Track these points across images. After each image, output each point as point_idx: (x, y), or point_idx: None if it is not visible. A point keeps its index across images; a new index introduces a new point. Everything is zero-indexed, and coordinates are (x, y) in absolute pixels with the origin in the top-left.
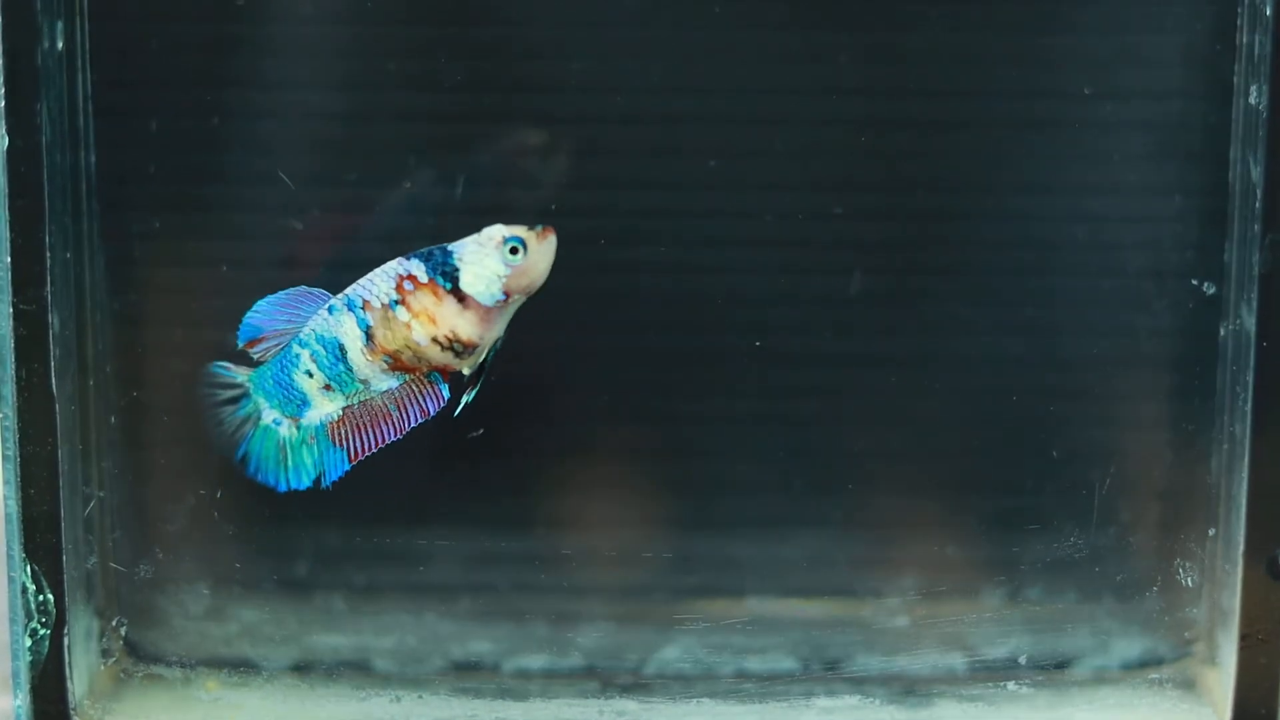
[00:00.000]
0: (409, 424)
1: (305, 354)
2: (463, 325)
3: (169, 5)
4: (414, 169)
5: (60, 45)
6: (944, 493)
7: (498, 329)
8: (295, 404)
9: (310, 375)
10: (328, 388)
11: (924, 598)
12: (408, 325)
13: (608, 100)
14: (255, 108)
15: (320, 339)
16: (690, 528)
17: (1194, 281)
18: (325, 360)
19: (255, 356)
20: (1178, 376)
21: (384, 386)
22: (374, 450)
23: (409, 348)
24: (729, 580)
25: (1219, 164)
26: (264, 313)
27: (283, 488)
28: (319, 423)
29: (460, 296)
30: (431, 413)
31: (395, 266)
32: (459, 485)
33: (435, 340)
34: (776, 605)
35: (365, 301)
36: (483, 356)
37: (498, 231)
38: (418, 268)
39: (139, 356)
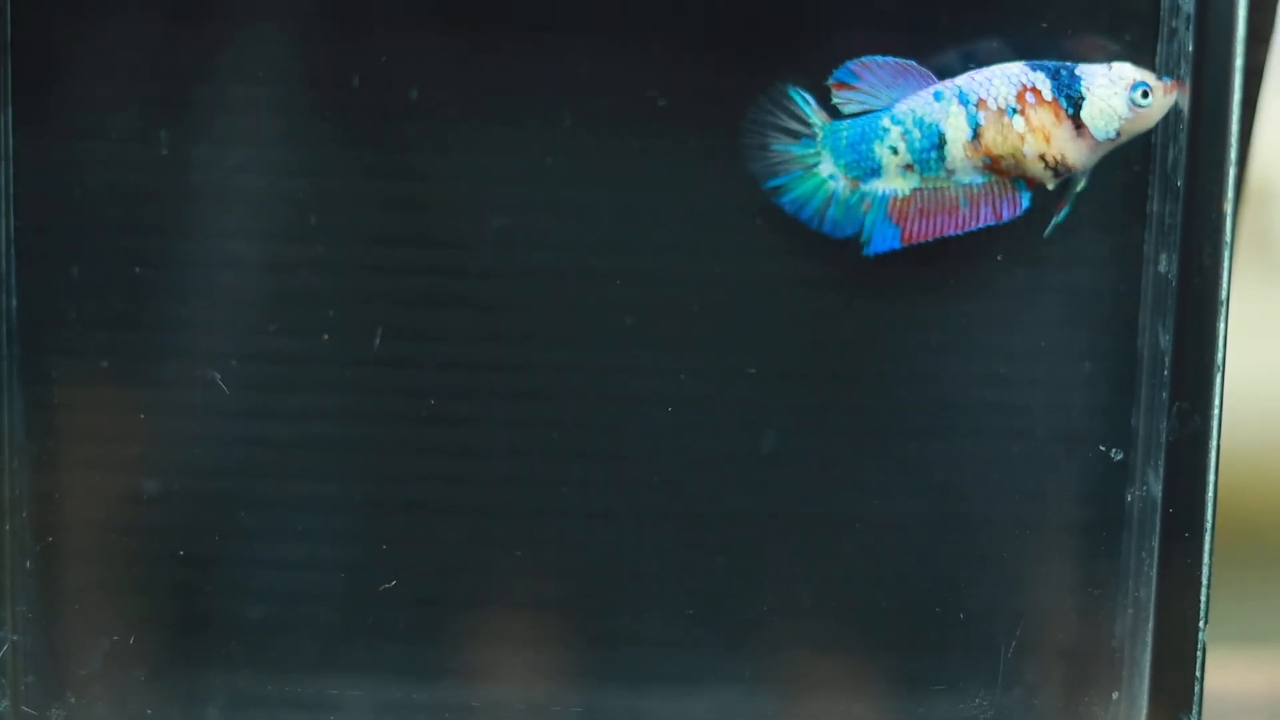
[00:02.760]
0: (976, 222)
1: (896, 130)
2: (1072, 151)
3: (93, 152)
4: (332, 320)
5: None
6: (852, 651)
7: (1095, 160)
8: (865, 170)
9: (895, 151)
10: (909, 168)
11: None
12: (1021, 137)
13: (526, 256)
14: (177, 257)
15: (919, 122)
16: (600, 681)
17: (1102, 447)
18: (918, 142)
19: (835, 101)
20: (1084, 540)
21: (966, 180)
22: (930, 238)
23: (1014, 156)
24: None
25: (1128, 331)
26: (870, 66)
27: (815, 224)
28: (881, 193)
29: (1078, 124)
30: (1005, 217)
31: (1018, 74)
32: (370, 634)
33: (1042, 157)
34: None
35: (981, 100)
36: (1072, 180)
37: (1130, 72)
38: (1043, 82)
39: (56, 502)
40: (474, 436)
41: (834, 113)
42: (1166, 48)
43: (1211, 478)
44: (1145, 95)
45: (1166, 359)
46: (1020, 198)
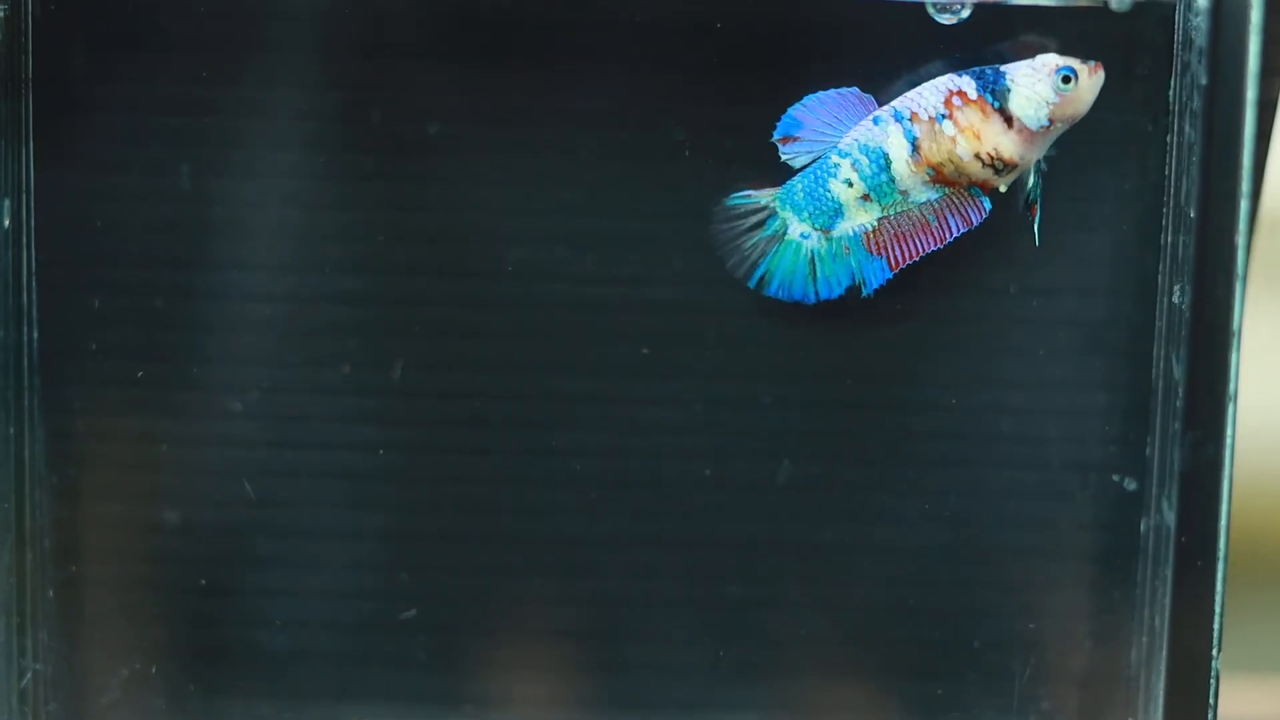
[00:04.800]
0: (950, 234)
1: (846, 163)
2: (1005, 144)
3: (114, 186)
4: (353, 351)
5: (6, 223)
6: (867, 679)
7: (1039, 152)
8: (827, 214)
9: (849, 185)
10: (866, 198)
11: None
12: (953, 140)
13: (543, 287)
14: (196, 289)
15: (864, 149)
16: (617, 708)
17: (1116, 477)
18: (867, 170)
19: (784, 157)
20: (1099, 569)
21: (923, 198)
22: (915, 259)
23: (951, 161)
24: None
25: (1142, 361)
26: (810, 108)
27: (812, 299)
28: (852, 233)
29: (1007, 117)
30: (974, 223)
31: (946, 81)
32: (389, 663)
33: (978, 156)
34: None
35: (913, 114)
36: (1023, 176)
37: (1052, 60)
38: (968, 84)
39: (78, 531)
40: (492, 466)
41: (783, 178)
42: (1180, 81)
43: (1225, 507)
44: (1068, 80)
45: (1180, 389)
46: (981, 202)
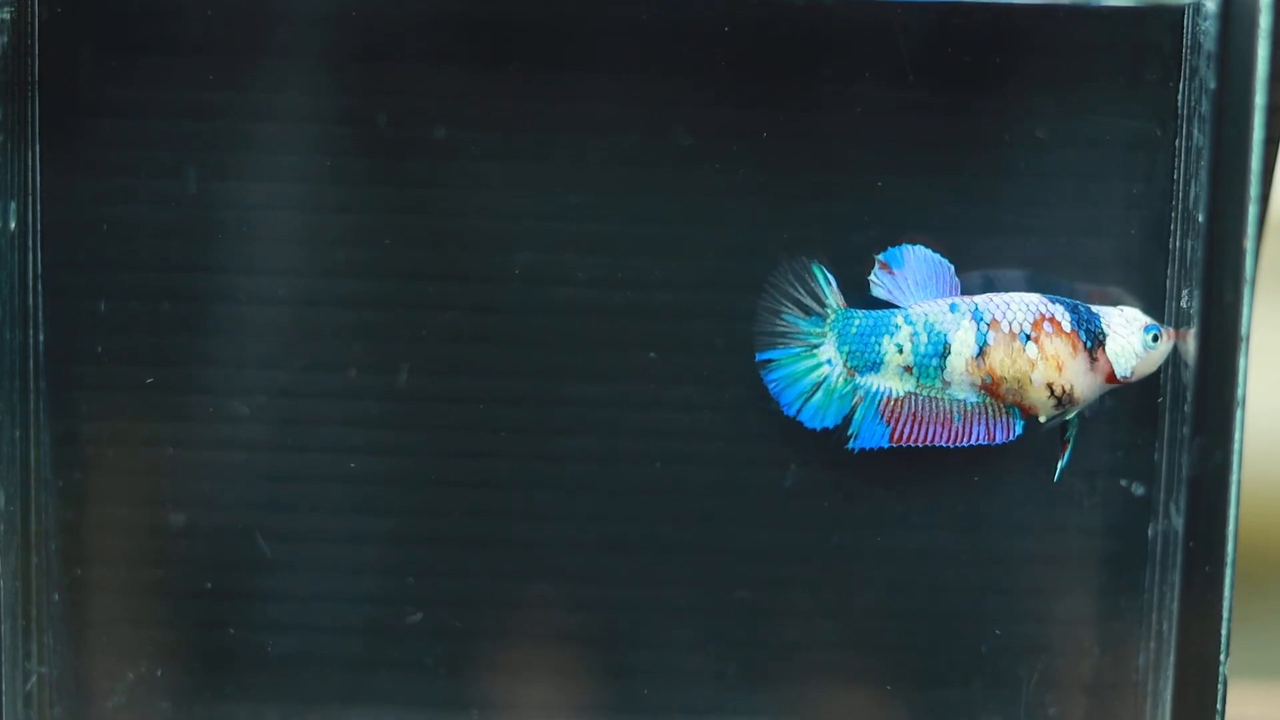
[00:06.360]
0: (969, 439)
1: (906, 330)
2: (1081, 383)
3: (120, 189)
4: (359, 355)
5: (13, 225)
6: (874, 684)
7: (1094, 397)
8: (865, 363)
9: (900, 350)
10: (908, 369)
11: None
12: (1032, 363)
13: (550, 291)
14: (203, 292)
15: (929, 327)
16: (623, 714)
17: (1124, 482)
18: (923, 348)
19: (871, 280)
20: (1106, 574)
21: (961, 396)
22: (919, 444)
23: (1019, 381)
24: None
25: None
26: (916, 256)
27: (790, 412)
28: (875, 390)
29: (1093, 359)
30: (998, 440)
31: (1036, 303)
32: (394, 666)
33: (1050, 386)
34: None
35: (994, 320)
36: (1069, 416)
37: (1140, 315)
38: (1062, 315)
39: (83, 535)
40: (499, 470)
41: (850, 294)
42: (1188, 85)
43: (1232, 512)
44: (1155, 339)
45: (1188, 394)
46: (1014, 424)
